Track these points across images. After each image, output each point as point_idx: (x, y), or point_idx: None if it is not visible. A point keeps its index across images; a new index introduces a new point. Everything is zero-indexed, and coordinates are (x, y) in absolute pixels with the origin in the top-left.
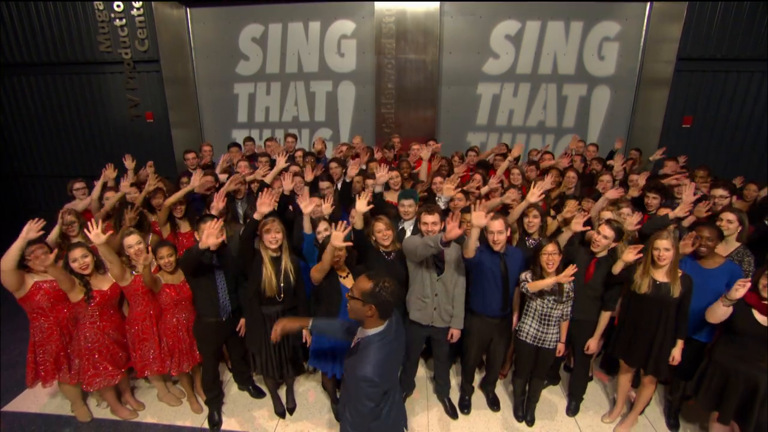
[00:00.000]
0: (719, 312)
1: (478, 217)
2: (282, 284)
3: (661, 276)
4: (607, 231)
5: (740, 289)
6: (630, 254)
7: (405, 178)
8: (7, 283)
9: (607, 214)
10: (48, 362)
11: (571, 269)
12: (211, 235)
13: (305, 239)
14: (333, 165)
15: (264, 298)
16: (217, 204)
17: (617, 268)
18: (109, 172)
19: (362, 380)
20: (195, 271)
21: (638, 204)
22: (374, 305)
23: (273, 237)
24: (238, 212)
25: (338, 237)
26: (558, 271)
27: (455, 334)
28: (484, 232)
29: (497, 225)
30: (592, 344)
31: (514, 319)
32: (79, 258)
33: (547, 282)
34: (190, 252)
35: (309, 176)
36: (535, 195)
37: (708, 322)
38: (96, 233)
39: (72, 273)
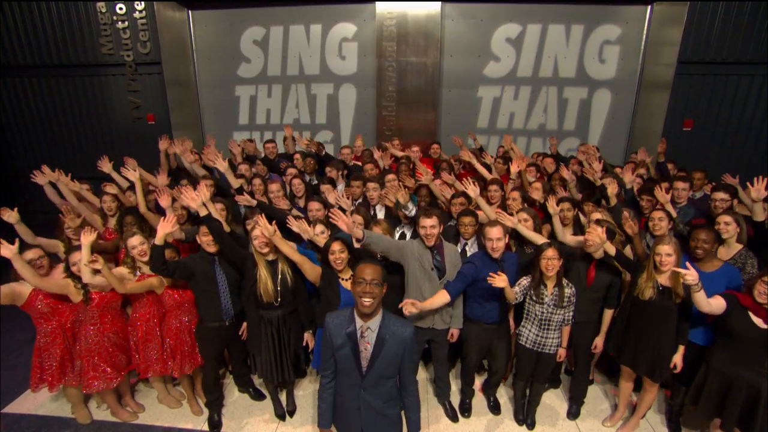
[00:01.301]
0: (700, 301)
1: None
2: (279, 288)
3: (663, 281)
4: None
5: (687, 275)
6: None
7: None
8: (2, 302)
9: (597, 215)
10: (54, 366)
11: (500, 279)
12: (163, 228)
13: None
14: (328, 169)
15: (262, 303)
16: (161, 202)
17: (610, 250)
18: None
19: (414, 336)
20: (184, 277)
21: (635, 206)
22: (386, 282)
23: (262, 241)
24: (240, 212)
25: (267, 226)
26: (558, 275)
27: (455, 333)
28: (482, 239)
29: (495, 232)
30: (600, 342)
31: (511, 322)
32: (79, 261)
33: (507, 292)
34: (151, 252)
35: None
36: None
37: (705, 324)
38: (87, 236)
39: (73, 276)
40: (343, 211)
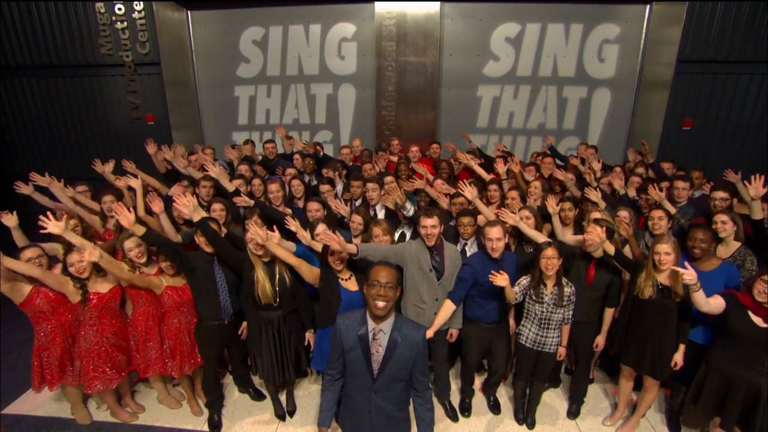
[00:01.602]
0: (699, 301)
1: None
2: (278, 288)
3: (663, 280)
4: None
5: (685, 275)
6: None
7: (403, 179)
8: (2, 290)
9: (596, 214)
10: (53, 366)
11: (501, 278)
12: (126, 221)
13: (296, 249)
14: (325, 170)
15: (260, 304)
16: (153, 207)
17: (609, 249)
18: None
19: (425, 340)
20: (186, 268)
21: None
22: (401, 285)
23: (257, 244)
24: (240, 213)
25: (258, 233)
26: (558, 274)
27: (454, 333)
28: (482, 239)
29: (495, 232)
30: (601, 341)
31: (511, 322)
32: (76, 262)
33: (507, 291)
34: (147, 242)
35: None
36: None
37: (705, 323)
38: (54, 223)
39: (71, 276)
40: (342, 218)
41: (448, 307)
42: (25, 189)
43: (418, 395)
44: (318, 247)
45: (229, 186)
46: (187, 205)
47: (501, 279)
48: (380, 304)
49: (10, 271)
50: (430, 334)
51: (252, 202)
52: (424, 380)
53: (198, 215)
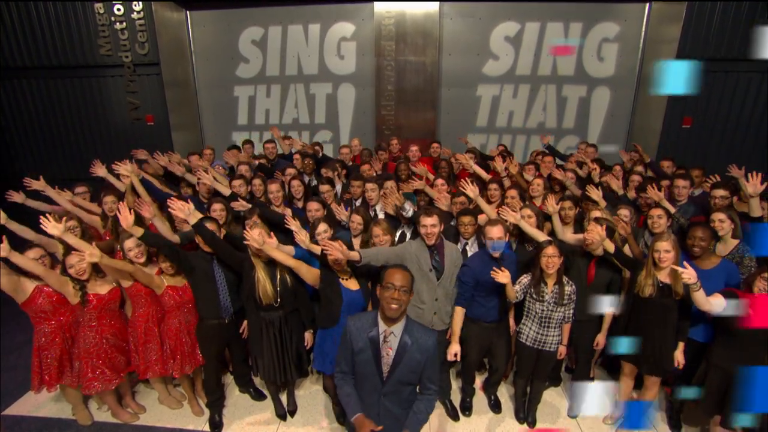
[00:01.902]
0: (699, 300)
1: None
2: (279, 288)
3: (663, 278)
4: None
5: (685, 274)
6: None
7: (403, 179)
8: (5, 287)
9: (596, 213)
10: (52, 366)
11: (503, 275)
12: (126, 222)
13: (296, 252)
14: (323, 170)
15: (261, 305)
16: (144, 213)
17: (609, 247)
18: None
19: (437, 343)
20: (186, 268)
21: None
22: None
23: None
24: (240, 212)
25: (254, 238)
26: (559, 273)
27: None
28: (482, 238)
29: (496, 231)
30: (602, 339)
31: (510, 322)
32: (75, 264)
33: (508, 289)
34: (146, 242)
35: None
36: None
37: (705, 321)
38: (53, 225)
39: (70, 278)
40: (341, 221)
41: (459, 314)
42: (17, 197)
43: (422, 393)
44: (317, 249)
45: (226, 190)
46: (182, 210)
47: (502, 276)
48: (394, 306)
49: (12, 269)
50: (456, 349)
51: (249, 206)
52: (432, 387)
53: (194, 218)
